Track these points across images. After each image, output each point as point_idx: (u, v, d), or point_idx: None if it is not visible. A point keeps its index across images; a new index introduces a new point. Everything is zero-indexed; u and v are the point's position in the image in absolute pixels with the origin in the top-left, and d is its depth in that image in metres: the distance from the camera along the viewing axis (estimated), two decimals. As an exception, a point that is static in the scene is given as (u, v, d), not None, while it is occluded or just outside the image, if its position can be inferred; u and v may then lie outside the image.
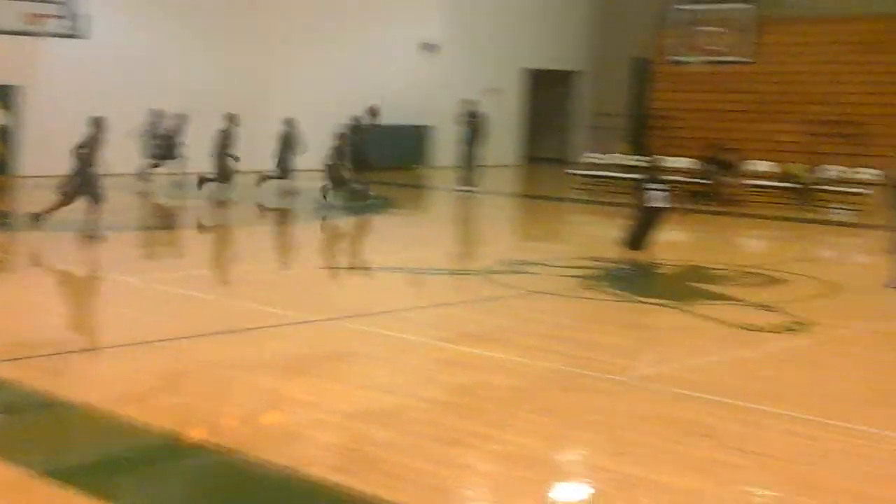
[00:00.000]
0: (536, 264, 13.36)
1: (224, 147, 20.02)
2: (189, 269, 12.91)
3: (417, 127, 28.54)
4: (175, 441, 6.23)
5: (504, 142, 29.59)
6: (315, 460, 5.92)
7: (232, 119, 20.18)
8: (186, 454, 6.15)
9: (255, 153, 21.76)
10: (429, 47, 28.59)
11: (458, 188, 23.44)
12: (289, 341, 9.11)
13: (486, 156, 24.64)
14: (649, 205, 13.95)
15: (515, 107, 31.28)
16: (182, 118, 21.84)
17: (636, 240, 14.01)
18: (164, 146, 21.88)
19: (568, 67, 32.64)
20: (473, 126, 24.08)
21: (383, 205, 20.37)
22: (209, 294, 11.27)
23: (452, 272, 13.33)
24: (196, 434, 6.38)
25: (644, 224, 14.04)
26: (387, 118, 23.75)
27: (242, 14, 26.01)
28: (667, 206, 14.15)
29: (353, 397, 7.30)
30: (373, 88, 25.94)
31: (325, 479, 5.59)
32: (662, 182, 14.49)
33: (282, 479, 5.65)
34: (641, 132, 29.89)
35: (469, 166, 23.79)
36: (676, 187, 21.69)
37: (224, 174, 20.04)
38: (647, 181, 14.45)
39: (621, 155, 25.75)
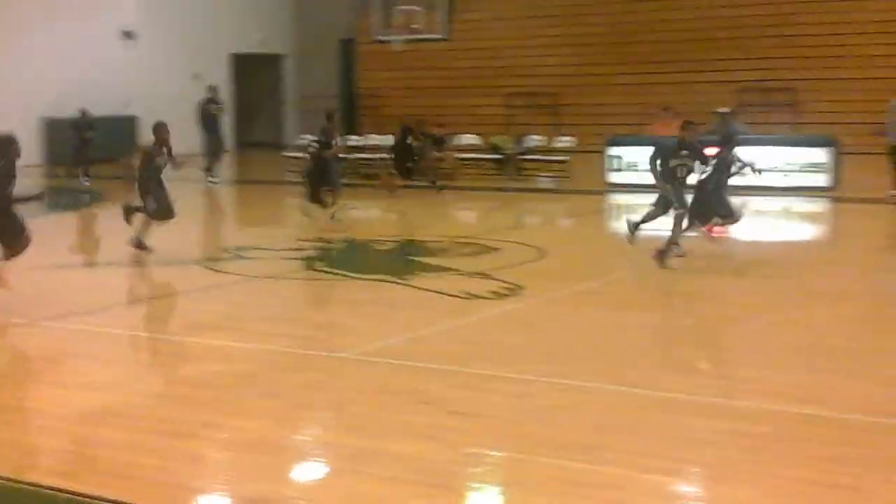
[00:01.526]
0: (256, 249, 13.28)
1: None
2: None
3: (125, 118, 27.63)
4: None
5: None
6: (35, 466, 5.70)
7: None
8: None
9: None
10: (128, 34, 27.73)
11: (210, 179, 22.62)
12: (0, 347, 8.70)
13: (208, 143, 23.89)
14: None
15: (223, 92, 30.87)
16: None
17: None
18: None
19: (274, 51, 32.50)
20: (214, 113, 23.39)
21: (95, 199, 19.65)
22: None
23: (171, 263, 13.05)
24: None
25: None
26: (91, 110, 22.88)
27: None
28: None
29: (75, 399, 7.06)
30: (70, 79, 24.87)
31: (46, 484, 5.40)
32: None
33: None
34: (351, 112, 30.20)
35: (214, 154, 23.05)
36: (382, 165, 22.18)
37: None
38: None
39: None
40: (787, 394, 6.95)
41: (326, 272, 11.94)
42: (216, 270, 12.04)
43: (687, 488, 5.54)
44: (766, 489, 5.34)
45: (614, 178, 20.26)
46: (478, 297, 10.14)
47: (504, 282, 10.78)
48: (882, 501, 5.20)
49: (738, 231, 12.78)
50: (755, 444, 5.98)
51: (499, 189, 20.76)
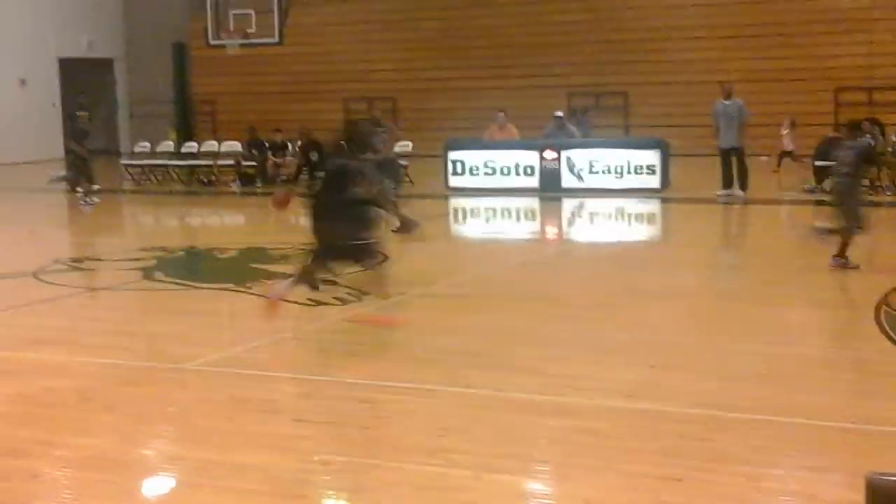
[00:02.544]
0: (94, 260, 12.96)
1: None
2: None
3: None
4: None
5: (42, 135, 28.21)
6: None
7: None
8: None
9: None
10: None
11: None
12: None
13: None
14: None
15: (50, 98, 29.92)
16: None
17: None
18: None
19: (104, 55, 31.71)
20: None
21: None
22: None
23: (3, 276, 12.61)
24: None
25: None
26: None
27: None
28: None
29: None
30: None
31: None
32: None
33: None
34: (187, 118, 29.72)
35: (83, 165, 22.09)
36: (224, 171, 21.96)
37: None
38: None
39: (171, 142, 25.46)
40: (622, 390, 7.15)
41: (166, 282, 11.72)
42: (51, 283, 11.68)
43: (535, 486, 5.66)
44: (608, 484, 5.51)
45: (454, 181, 20.50)
46: (322, 303, 10.12)
47: (349, 287, 10.78)
48: (709, 491, 5.41)
49: (575, 232, 13.08)
50: (595, 441, 6.16)
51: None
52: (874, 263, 11.04)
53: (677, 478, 5.54)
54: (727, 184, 18.17)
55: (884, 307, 9.42)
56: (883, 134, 19.07)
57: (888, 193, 18.06)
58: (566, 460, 5.89)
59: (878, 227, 13.75)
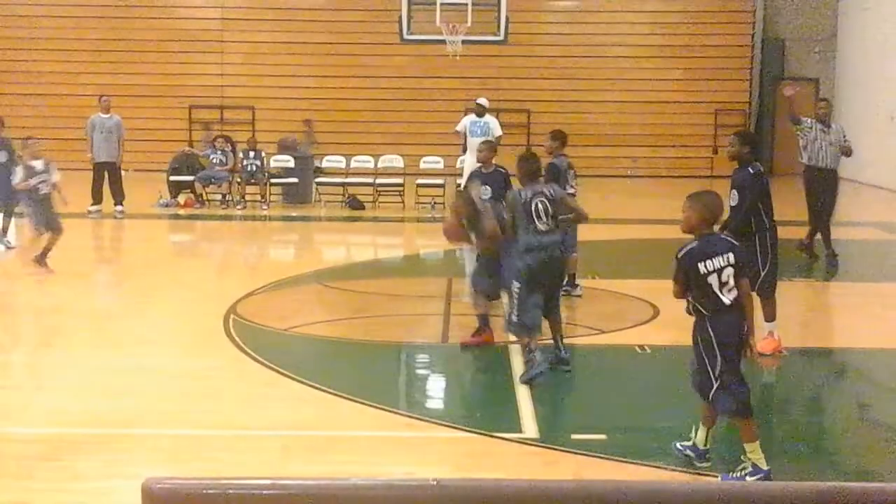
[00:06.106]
0: None
1: None
2: None
3: None
4: None
5: None
6: None
7: None
8: None
9: None
10: None
11: None
12: None
13: None
14: None
15: None
16: None
17: None
18: None
19: None
20: None
21: None
22: None
23: None
24: None
25: None
26: None
27: None
28: None
29: None
30: None
31: None
32: None
33: None
34: None
35: None
36: None
37: None
38: None
39: None
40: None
41: None
42: None
43: None
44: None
45: None
46: None
47: None
48: None
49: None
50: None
51: None
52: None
53: (26, 502, 5.47)
54: (98, 199, 17.60)
55: (233, 316, 9.91)
56: (234, 151, 19.81)
57: (239, 208, 18.84)
58: None
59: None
